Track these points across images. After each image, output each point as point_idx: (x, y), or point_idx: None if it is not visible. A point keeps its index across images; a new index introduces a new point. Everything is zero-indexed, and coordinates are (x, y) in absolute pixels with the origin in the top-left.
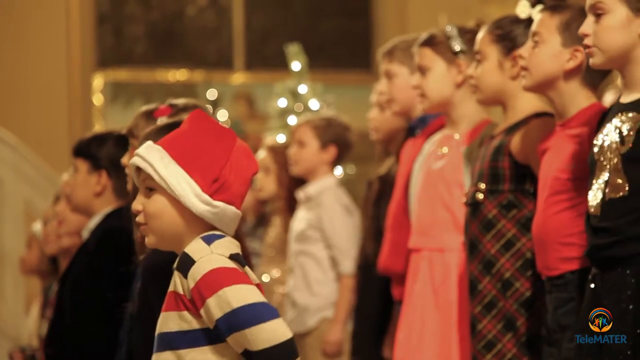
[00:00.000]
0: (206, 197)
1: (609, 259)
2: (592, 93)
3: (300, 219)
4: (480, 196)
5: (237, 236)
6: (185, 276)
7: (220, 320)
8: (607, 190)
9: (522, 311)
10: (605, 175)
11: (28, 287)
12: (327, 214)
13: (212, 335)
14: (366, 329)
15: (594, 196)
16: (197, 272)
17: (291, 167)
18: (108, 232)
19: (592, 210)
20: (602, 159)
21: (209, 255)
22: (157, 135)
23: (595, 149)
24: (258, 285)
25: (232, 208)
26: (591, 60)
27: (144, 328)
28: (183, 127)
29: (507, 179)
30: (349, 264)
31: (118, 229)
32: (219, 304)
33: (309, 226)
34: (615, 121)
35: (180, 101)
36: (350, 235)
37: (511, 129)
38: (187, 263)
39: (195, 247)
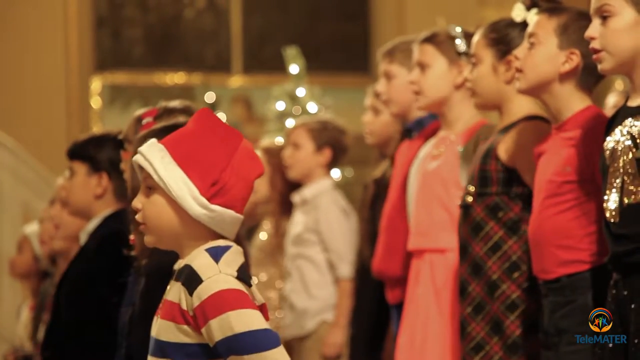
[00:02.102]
0: (203, 200)
1: (631, 266)
2: (586, 96)
3: (297, 222)
4: (470, 199)
5: (237, 240)
6: (191, 294)
7: (220, 342)
8: (624, 196)
9: (508, 314)
10: (619, 181)
11: (25, 289)
12: (325, 217)
13: (212, 351)
14: (363, 333)
15: (611, 202)
16: (203, 292)
17: (287, 170)
18: (108, 236)
19: (609, 216)
20: (614, 163)
21: (217, 276)
22: (156, 135)
23: (607, 154)
24: (263, 306)
25: (230, 212)
26: (600, 66)
27: (146, 329)
28: (188, 127)
29: (494, 181)
30: (346, 268)
31: (118, 232)
32: (221, 327)
33: (306, 229)
34: (626, 125)
35: (173, 103)
36: (348, 238)
37: (502, 132)
38: (193, 281)
39: (202, 263)
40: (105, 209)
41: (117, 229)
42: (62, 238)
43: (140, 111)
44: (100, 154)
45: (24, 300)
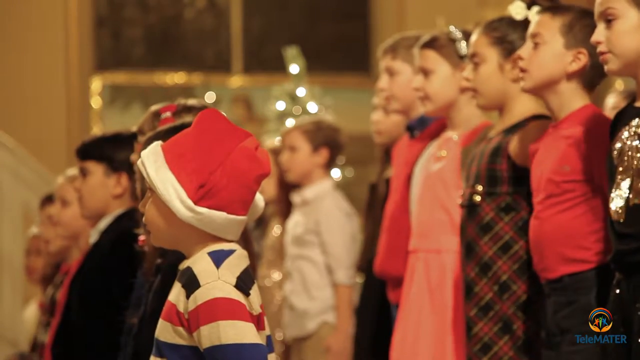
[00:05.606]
0: (190, 203)
1: (635, 265)
2: (588, 95)
3: (297, 223)
4: (478, 198)
5: (244, 240)
6: (188, 297)
7: (207, 350)
8: (630, 196)
9: (519, 314)
10: (627, 181)
11: (26, 290)
12: (326, 220)
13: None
14: (366, 333)
15: (617, 201)
16: (199, 297)
17: (285, 173)
18: (122, 234)
19: (614, 215)
20: (622, 163)
21: (215, 282)
22: (161, 137)
23: (614, 154)
24: (260, 315)
25: (220, 214)
26: (607, 67)
27: (155, 328)
28: (189, 129)
29: (505, 181)
30: (343, 273)
31: (131, 232)
32: (209, 335)
33: (307, 230)
34: (632, 126)
35: (191, 101)
36: (348, 243)
37: (509, 131)
38: (192, 284)
39: (202, 268)
40: (118, 208)
41: (130, 228)
42: (62, 237)
43: (157, 106)
44: (119, 153)
45: (28, 301)
